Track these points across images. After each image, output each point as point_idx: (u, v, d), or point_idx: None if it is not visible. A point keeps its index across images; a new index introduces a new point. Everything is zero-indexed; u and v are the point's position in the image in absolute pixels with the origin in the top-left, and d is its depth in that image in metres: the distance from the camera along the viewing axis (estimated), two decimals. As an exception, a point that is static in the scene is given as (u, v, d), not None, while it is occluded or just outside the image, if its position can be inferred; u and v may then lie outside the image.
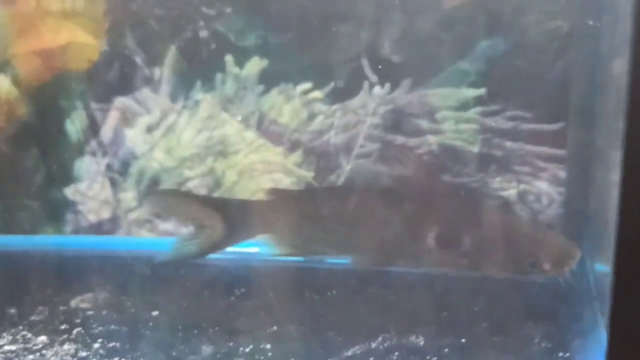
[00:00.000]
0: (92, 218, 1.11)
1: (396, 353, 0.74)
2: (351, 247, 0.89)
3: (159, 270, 0.96)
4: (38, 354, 0.65)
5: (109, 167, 1.10)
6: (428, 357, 0.73)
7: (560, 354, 0.74)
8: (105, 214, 1.11)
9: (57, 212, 1.12)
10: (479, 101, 1.00)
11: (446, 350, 0.75)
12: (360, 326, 0.80)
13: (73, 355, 0.65)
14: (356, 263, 0.89)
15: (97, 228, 1.11)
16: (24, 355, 0.65)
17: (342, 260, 0.93)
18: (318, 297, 0.89)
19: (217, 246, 0.90)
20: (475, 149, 1.00)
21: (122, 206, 1.10)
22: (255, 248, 0.95)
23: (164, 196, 0.92)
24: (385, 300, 0.86)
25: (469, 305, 0.85)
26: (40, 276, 0.93)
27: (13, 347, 0.67)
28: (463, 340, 0.78)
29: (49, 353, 0.66)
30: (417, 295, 0.87)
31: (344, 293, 0.90)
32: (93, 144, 1.09)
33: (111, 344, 0.69)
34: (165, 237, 1.08)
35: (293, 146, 1.06)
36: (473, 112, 1.01)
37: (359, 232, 0.88)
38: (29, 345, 0.67)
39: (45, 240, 1.12)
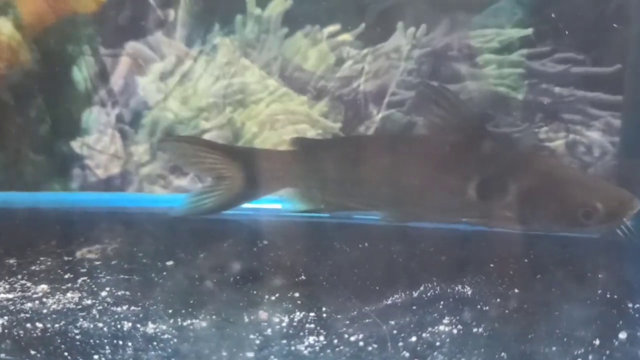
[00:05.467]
0: (101, 173, 1.05)
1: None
2: (382, 201, 0.83)
3: (171, 227, 0.89)
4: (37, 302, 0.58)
5: (119, 118, 1.03)
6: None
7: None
8: (115, 169, 1.05)
9: (63, 167, 1.06)
10: (525, 42, 0.92)
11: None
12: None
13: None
14: (387, 218, 0.82)
15: (106, 184, 1.05)
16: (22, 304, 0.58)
17: (371, 216, 0.87)
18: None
19: (236, 200, 0.84)
20: (520, 95, 0.93)
21: (133, 161, 1.04)
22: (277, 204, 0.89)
23: (181, 142, 0.85)
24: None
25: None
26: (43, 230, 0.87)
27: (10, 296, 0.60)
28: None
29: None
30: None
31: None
32: (102, 93, 1.03)
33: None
34: (179, 193, 1.02)
35: (319, 94, 0.99)
36: (518, 55, 0.93)
37: (390, 185, 0.82)
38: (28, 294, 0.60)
39: (50, 198, 1.06)
